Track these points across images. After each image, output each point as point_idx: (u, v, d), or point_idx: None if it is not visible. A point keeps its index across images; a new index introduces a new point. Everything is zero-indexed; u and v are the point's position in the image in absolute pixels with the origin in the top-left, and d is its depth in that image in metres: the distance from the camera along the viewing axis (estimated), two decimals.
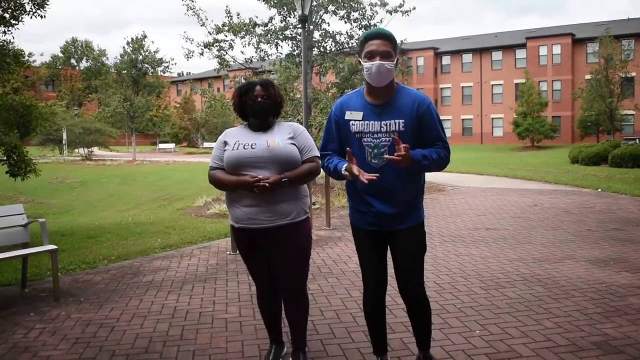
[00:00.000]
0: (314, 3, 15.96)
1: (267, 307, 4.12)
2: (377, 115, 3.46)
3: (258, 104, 3.81)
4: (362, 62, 3.47)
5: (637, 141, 30.84)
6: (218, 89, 56.57)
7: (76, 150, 46.28)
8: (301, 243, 3.88)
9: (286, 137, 3.81)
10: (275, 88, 3.91)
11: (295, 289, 3.94)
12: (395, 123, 3.44)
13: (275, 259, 3.90)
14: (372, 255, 3.71)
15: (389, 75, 3.42)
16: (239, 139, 3.81)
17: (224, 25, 16.74)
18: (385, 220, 3.57)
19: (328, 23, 17.47)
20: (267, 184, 3.59)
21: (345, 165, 3.43)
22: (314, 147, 3.88)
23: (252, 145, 3.74)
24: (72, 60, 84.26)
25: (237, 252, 7.77)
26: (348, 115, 3.52)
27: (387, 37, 3.44)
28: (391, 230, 3.60)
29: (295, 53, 17.30)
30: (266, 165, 3.70)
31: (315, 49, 17.35)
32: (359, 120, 3.49)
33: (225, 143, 3.83)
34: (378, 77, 3.41)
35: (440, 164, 3.48)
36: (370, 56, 3.41)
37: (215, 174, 3.82)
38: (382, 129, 3.44)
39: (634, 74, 44.09)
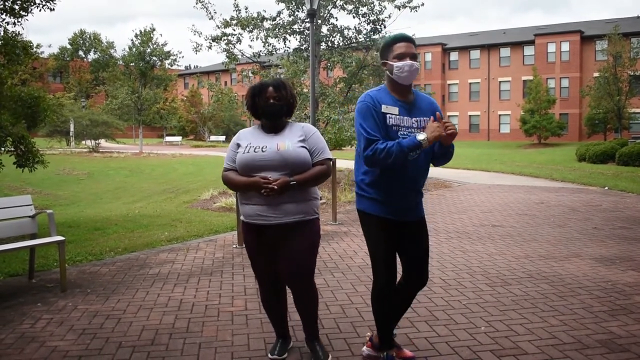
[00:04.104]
0: None
1: (271, 306, 4.16)
2: (408, 112, 3.68)
3: (270, 106, 3.86)
4: (389, 63, 3.66)
5: None
6: (225, 82, 56.66)
7: (83, 142, 46.37)
8: (308, 237, 3.92)
9: (297, 139, 3.85)
10: (288, 89, 3.94)
11: (303, 281, 3.96)
12: (424, 120, 3.68)
13: (282, 252, 3.92)
14: (387, 245, 3.75)
15: (416, 74, 3.67)
16: (250, 142, 3.87)
17: (232, 19, 16.73)
18: (404, 210, 3.72)
19: (336, 18, 17.45)
20: (275, 187, 3.66)
21: (422, 134, 3.53)
22: (326, 149, 3.94)
23: (262, 148, 3.80)
24: (80, 52, 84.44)
25: (244, 246, 7.82)
26: (385, 108, 3.62)
27: (412, 41, 3.70)
28: (405, 220, 3.73)
29: (303, 47, 17.29)
30: (276, 168, 3.75)
31: (323, 43, 17.32)
32: (395, 115, 3.63)
33: (238, 145, 3.90)
34: (409, 75, 3.63)
35: (452, 155, 3.80)
36: (401, 57, 3.63)
37: (227, 175, 3.90)
38: (413, 124, 3.65)
39: None
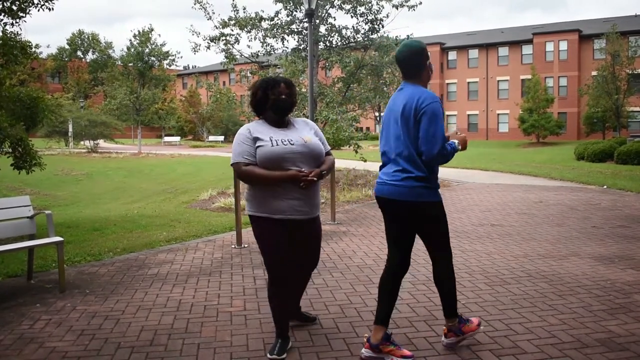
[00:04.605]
0: None
1: (283, 302, 4.21)
2: None
3: (282, 101, 4.00)
4: (431, 64, 4.03)
5: None
6: (224, 82, 56.61)
7: (82, 142, 46.38)
8: (320, 228, 4.36)
9: (312, 133, 4.09)
10: (294, 88, 4.14)
11: (313, 268, 4.48)
12: None
13: (303, 247, 4.21)
14: None
15: None
16: (271, 135, 3.95)
17: (230, 19, 16.71)
18: None
19: (334, 17, 17.44)
20: (314, 178, 3.87)
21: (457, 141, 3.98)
22: (326, 141, 4.24)
23: (289, 141, 3.93)
24: (79, 53, 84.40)
25: (243, 246, 7.83)
26: None
27: None
28: None
29: (301, 47, 17.27)
30: (302, 160, 3.95)
31: (321, 43, 17.31)
32: None
33: (256, 139, 3.93)
34: None
35: None
36: None
37: (254, 170, 3.91)
38: None
39: None
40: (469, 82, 59.05)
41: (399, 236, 4.07)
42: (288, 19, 16.99)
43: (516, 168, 22.00)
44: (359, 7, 16.74)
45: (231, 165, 4.03)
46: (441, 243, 4.09)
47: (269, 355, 4.05)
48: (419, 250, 6.29)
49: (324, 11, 16.85)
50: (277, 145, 3.88)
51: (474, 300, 5.35)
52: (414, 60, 3.95)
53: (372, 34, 17.25)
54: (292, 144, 3.91)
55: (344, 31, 17.25)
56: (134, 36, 43.86)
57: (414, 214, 3.94)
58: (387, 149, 4.01)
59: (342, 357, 4.08)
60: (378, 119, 49.13)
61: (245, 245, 7.97)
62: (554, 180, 17.51)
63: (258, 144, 3.91)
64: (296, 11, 16.88)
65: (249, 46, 67.10)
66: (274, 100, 4.00)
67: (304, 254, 4.26)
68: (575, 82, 51.40)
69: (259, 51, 17.67)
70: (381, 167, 4.11)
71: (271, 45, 17.19)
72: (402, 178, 3.86)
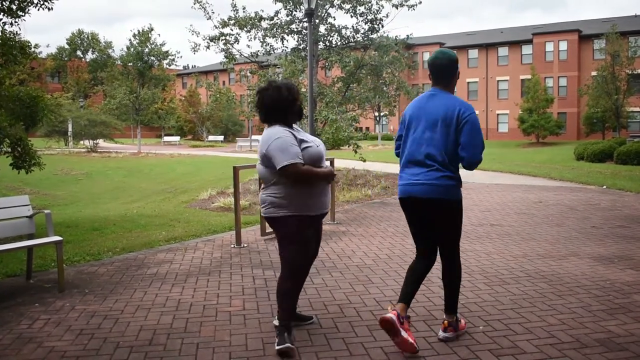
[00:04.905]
0: None
1: (296, 298, 4.44)
2: None
3: (301, 108, 4.40)
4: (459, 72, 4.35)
5: None
6: (224, 82, 56.58)
7: (81, 142, 46.35)
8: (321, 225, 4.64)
9: None
10: None
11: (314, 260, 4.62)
12: None
13: (315, 237, 4.45)
14: None
15: None
16: (307, 138, 4.25)
17: (229, 19, 16.69)
18: None
19: (334, 17, 17.39)
20: (335, 173, 4.28)
21: None
22: None
23: (317, 143, 4.29)
24: (78, 52, 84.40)
25: (242, 245, 7.83)
26: None
27: None
28: None
29: (300, 47, 17.25)
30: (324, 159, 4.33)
31: (321, 43, 17.29)
32: None
33: (302, 141, 4.18)
34: None
35: None
36: None
37: (310, 169, 4.14)
38: None
39: None
40: (468, 82, 59.02)
41: (427, 234, 4.33)
42: (288, 18, 16.97)
43: (516, 168, 21.99)
44: (358, 7, 16.71)
45: (285, 166, 4.01)
46: (457, 240, 4.39)
47: (280, 346, 4.06)
48: None
49: (324, 11, 16.83)
50: (318, 146, 4.23)
51: (474, 300, 5.35)
52: (450, 68, 4.20)
53: (371, 34, 17.22)
54: (319, 146, 4.26)
55: (343, 31, 17.22)
56: (134, 36, 43.81)
57: (446, 212, 4.23)
58: (413, 149, 4.20)
59: (341, 357, 4.08)
60: (378, 118, 49.15)
61: (245, 245, 7.97)
62: (554, 180, 17.50)
63: (304, 145, 4.15)
64: (296, 11, 16.86)
65: (248, 46, 66.77)
66: (298, 107, 4.33)
67: (316, 246, 4.55)
68: (575, 82, 51.41)
69: (258, 51, 17.64)
70: (403, 168, 4.27)
71: (271, 45, 17.16)
72: (438, 177, 4.12)
